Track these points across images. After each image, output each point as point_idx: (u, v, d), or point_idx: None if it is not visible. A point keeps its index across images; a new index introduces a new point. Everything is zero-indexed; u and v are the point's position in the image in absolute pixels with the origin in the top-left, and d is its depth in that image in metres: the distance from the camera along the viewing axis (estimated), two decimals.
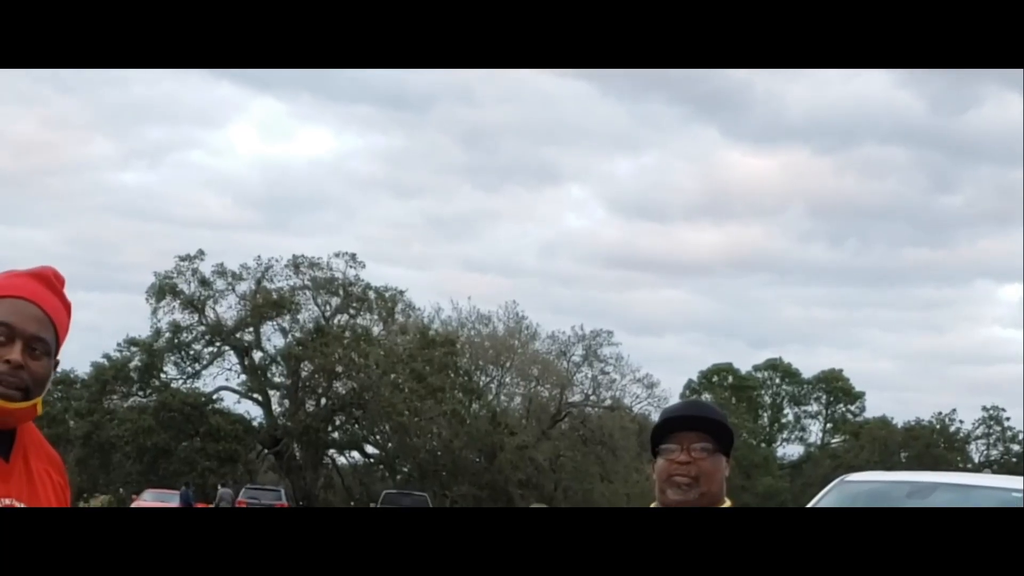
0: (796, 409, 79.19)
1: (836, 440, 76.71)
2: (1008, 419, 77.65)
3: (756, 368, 78.86)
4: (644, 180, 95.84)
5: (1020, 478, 11.42)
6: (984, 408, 77.92)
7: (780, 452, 77.81)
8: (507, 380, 63.76)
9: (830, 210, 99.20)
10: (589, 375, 63.58)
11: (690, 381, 74.86)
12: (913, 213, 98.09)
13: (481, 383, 62.25)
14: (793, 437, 79.20)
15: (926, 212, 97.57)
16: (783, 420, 79.18)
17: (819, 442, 77.86)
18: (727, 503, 3.44)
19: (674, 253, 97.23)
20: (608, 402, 62.22)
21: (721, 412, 3.59)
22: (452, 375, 58.06)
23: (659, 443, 3.42)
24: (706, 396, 70.71)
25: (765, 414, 78.49)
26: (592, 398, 63.13)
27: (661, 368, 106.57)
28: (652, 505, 3.47)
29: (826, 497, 10.72)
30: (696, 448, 3.37)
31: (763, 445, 75.61)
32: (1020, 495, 9.96)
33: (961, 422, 76.58)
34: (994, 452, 76.90)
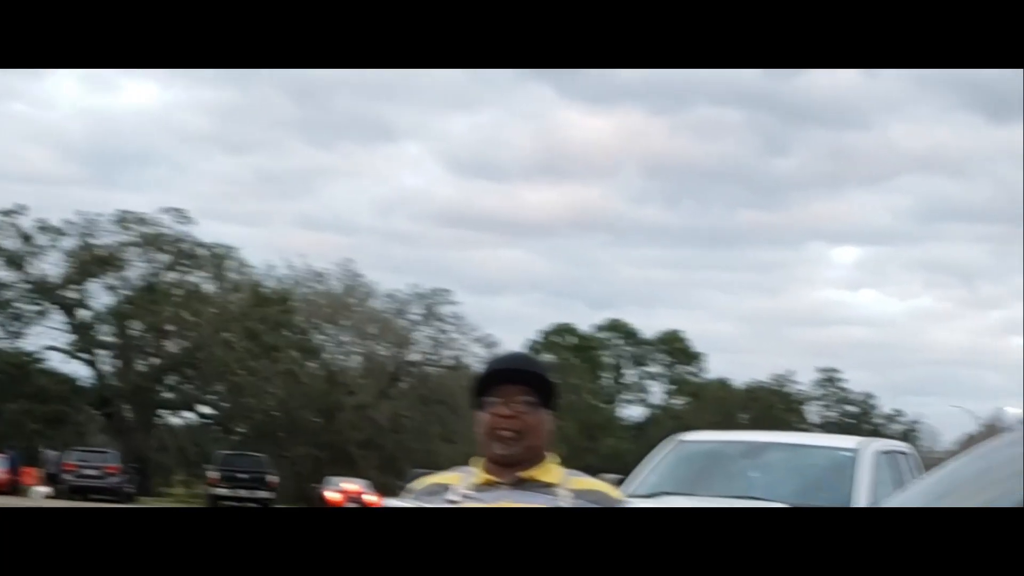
0: (638, 370, 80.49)
1: (678, 401, 78.17)
2: (844, 381, 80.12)
3: (597, 328, 79.89)
4: (480, 138, 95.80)
5: (852, 438, 11.97)
6: (820, 370, 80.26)
7: (623, 413, 79.06)
8: (344, 339, 63.54)
9: (665, 171, 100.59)
10: (429, 334, 63.79)
11: (531, 341, 75.52)
12: (747, 175, 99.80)
13: (317, 342, 61.95)
14: (636, 398, 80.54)
15: (760, 174, 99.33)
16: (625, 381, 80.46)
17: (661, 403, 79.26)
18: (552, 459, 3.47)
19: (512, 212, 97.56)
20: (449, 361, 62.49)
21: (545, 366, 3.60)
22: (287, 333, 57.70)
23: (482, 396, 3.42)
24: (547, 356, 71.40)
25: (607, 375, 79.65)
26: (432, 357, 63.32)
27: (502, 328, 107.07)
28: (476, 459, 3.50)
29: (661, 455, 11.11)
30: (519, 401, 3.38)
31: (606, 406, 76.71)
32: (850, 454, 10.47)
33: (799, 383, 78.78)
34: (832, 413, 79.24)
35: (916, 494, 6.84)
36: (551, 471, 3.47)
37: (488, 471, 3.46)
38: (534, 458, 3.43)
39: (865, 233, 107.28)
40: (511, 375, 3.44)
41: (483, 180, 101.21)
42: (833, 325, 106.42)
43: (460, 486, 3.47)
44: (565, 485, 3.44)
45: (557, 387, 3.52)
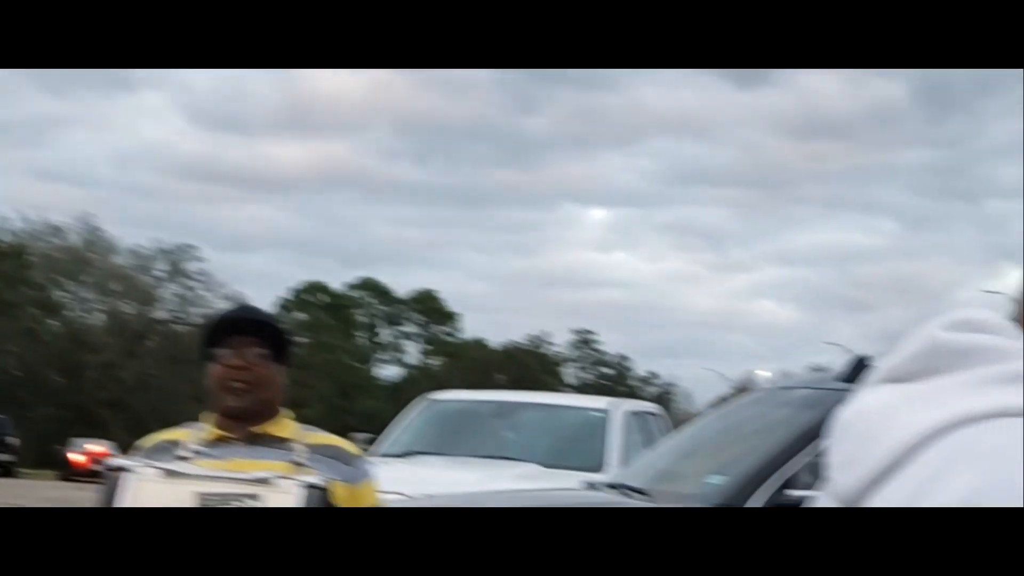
0: (393, 329, 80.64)
1: (434, 361, 78.70)
2: (598, 342, 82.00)
3: (349, 287, 79.62)
4: (224, 90, 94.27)
5: (603, 399, 12.16)
6: (575, 331, 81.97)
7: (379, 373, 79.19)
8: (86, 295, 61.76)
9: (415, 128, 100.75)
10: (175, 291, 62.55)
11: (282, 299, 74.71)
12: (498, 134, 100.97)
13: (58, 298, 60.06)
14: (391, 358, 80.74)
15: (510, 133, 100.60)
16: (380, 340, 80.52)
17: (418, 363, 79.66)
18: (286, 414, 3.42)
19: (259, 167, 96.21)
20: (197, 319, 61.37)
21: (277, 319, 3.56)
22: (25, 289, 55.77)
23: (212, 347, 3.35)
24: (299, 315, 70.81)
25: (361, 334, 79.54)
26: (180, 315, 62.12)
27: (251, 285, 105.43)
28: (207, 414, 3.43)
29: (412, 415, 11.07)
30: (252, 353, 3.32)
31: (361, 365, 76.67)
32: (601, 415, 10.61)
33: (555, 344, 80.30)
34: (588, 375, 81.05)
35: (664, 452, 6.97)
36: (285, 426, 3.42)
37: (220, 426, 3.39)
38: (267, 412, 3.37)
39: (615, 195, 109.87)
40: (243, 325, 3.37)
41: (228, 133, 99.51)
42: (587, 287, 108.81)
43: (190, 442, 3.38)
44: (300, 440, 3.39)
45: (290, 341, 3.47)
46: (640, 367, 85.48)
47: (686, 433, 7.06)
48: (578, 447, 10.27)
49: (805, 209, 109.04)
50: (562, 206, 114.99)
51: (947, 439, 1.14)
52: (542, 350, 79.10)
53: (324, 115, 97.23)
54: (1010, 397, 1.15)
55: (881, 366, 1.28)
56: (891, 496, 1.15)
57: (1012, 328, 1.23)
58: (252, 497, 3.15)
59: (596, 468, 9.27)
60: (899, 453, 1.16)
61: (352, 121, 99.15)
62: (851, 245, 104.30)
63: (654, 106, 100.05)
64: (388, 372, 79.79)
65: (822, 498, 1.34)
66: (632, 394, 63.90)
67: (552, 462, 9.76)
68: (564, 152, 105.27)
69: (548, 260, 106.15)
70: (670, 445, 7.04)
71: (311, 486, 3.20)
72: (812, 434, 5.44)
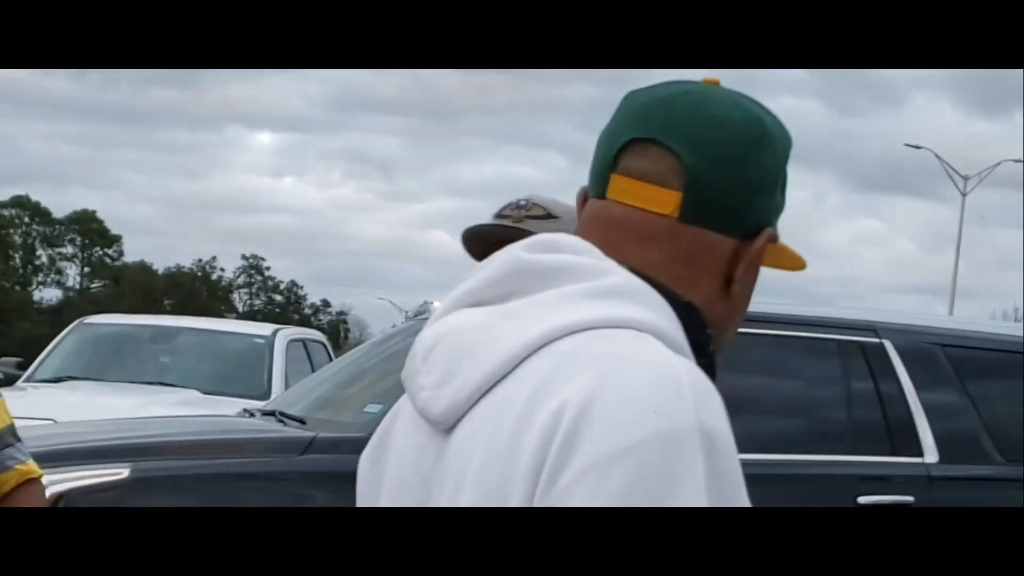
0: (50, 251, 77.67)
1: (96, 285, 76.29)
2: (268, 268, 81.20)
3: (1, 205, 76.11)
4: None
5: (266, 325, 12.14)
6: (244, 257, 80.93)
7: (37, 296, 76.24)
8: None
9: None
10: None
11: None
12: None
13: None
14: (50, 280, 77.82)
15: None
16: (37, 262, 77.44)
17: (78, 286, 77.07)
18: None
19: None
20: None
21: None
22: None
23: None
24: None
25: (17, 255, 76.30)
26: None
27: None
28: None
29: (64, 339, 10.80)
30: None
31: (17, 288, 73.63)
32: (262, 342, 10.60)
33: (223, 270, 79.06)
34: (257, 301, 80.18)
35: (323, 380, 7.05)
36: None
37: None
38: None
39: (283, 119, 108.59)
40: None
41: None
42: (256, 212, 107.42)
43: None
44: None
45: None
46: (313, 295, 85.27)
47: (346, 361, 7.16)
48: (240, 374, 10.23)
49: (475, 141, 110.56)
50: (228, 128, 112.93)
51: (549, 350, 1.23)
52: (211, 276, 77.78)
53: None
54: (604, 310, 1.25)
55: (460, 289, 1.34)
56: (494, 406, 1.23)
57: (594, 249, 1.32)
58: None
59: (261, 395, 9.27)
60: (502, 366, 1.24)
61: None
62: (521, 178, 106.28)
63: None
64: (47, 295, 76.95)
65: (401, 419, 1.39)
66: (305, 322, 63.74)
67: (213, 389, 9.71)
68: (227, 73, 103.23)
69: (215, 183, 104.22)
70: (330, 373, 7.13)
71: None
72: None
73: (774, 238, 1.40)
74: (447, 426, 1.28)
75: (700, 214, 1.34)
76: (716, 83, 1.41)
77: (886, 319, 6.16)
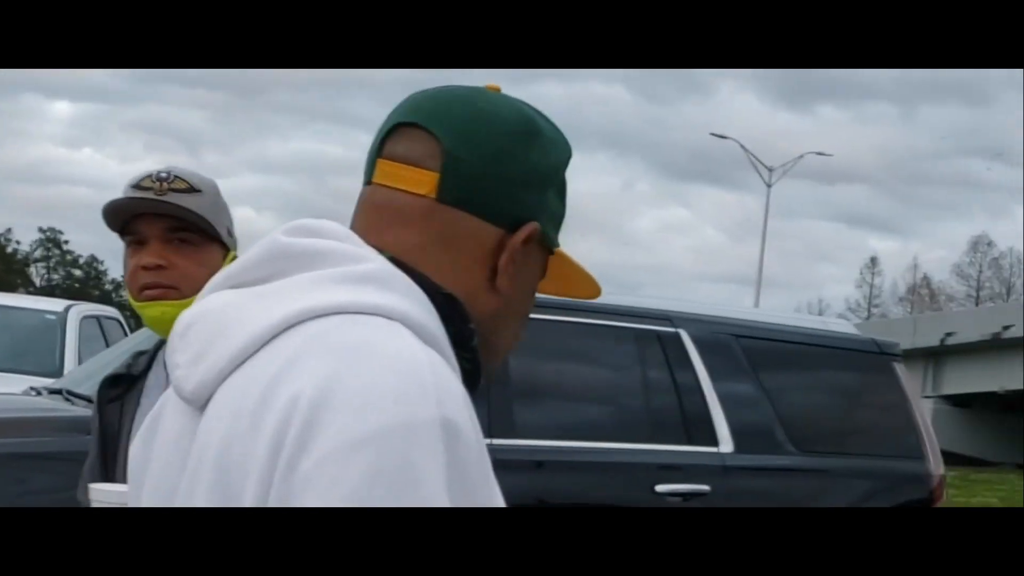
0: None
1: None
2: (67, 242, 79.31)
3: None
4: None
5: (59, 301, 11.86)
6: (41, 230, 78.92)
7: None
8: None
9: None
10: None
11: None
12: None
13: None
14: None
15: None
16: None
17: None
18: None
19: None
20: None
21: None
22: None
23: None
24: None
25: None
26: None
27: None
28: None
29: None
30: None
31: None
32: (54, 317, 10.36)
33: (19, 243, 76.94)
34: (56, 276, 78.27)
35: (111, 358, 6.92)
36: None
37: None
38: None
39: (82, 89, 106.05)
40: None
41: None
42: (54, 183, 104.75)
43: None
44: None
45: None
46: (115, 270, 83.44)
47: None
48: (32, 351, 9.97)
49: (281, 117, 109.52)
50: (24, 97, 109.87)
51: (296, 331, 1.24)
52: (6, 249, 75.62)
53: None
54: (356, 295, 1.26)
55: (223, 272, 1.36)
56: (239, 384, 1.24)
57: (353, 236, 1.34)
58: None
59: (53, 373, 9.05)
60: (250, 345, 1.25)
61: None
62: (329, 156, 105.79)
63: None
64: None
65: (169, 401, 1.41)
66: (106, 298, 62.36)
67: (3, 366, 9.44)
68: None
69: (9, 153, 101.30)
70: (121, 351, 6.99)
71: None
72: None
73: (546, 239, 1.42)
74: (199, 404, 1.28)
75: (458, 196, 1.35)
76: (496, 89, 1.44)
77: (682, 308, 6.26)
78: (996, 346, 33.75)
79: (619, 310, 6.04)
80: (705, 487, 5.74)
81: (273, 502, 1.17)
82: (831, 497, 6.02)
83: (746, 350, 6.09)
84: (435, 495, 1.16)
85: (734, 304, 8.65)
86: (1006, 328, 33.79)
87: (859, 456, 6.19)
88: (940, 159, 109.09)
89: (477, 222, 1.36)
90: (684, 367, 5.95)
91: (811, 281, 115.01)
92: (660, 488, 5.69)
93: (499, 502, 1.28)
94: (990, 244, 76.72)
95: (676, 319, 6.07)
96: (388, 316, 1.26)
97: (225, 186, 2.60)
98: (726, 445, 5.88)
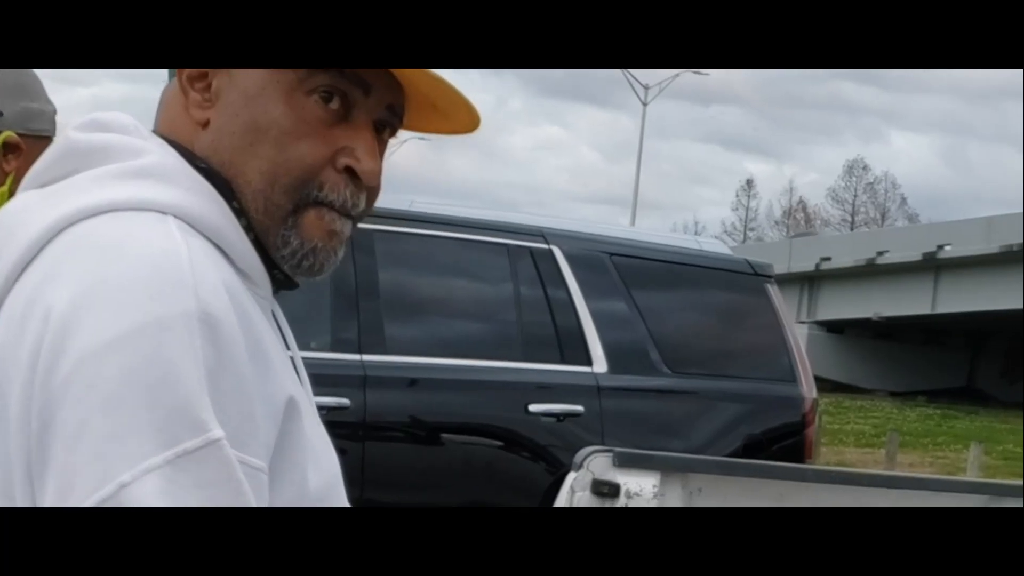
0: None
1: None
2: None
3: None
4: None
5: None
6: None
7: None
8: None
9: None
10: None
11: None
12: None
13: None
14: None
15: None
16: None
17: None
18: None
19: None
20: None
21: None
22: None
23: None
24: None
25: None
26: None
27: None
28: None
29: None
30: None
31: None
32: None
33: None
34: None
35: None
36: None
37: None
38: None
39: None
40: None
41: None
42: None
43: None
44: None
45: None
46: None
47: None
48: None
49: None
50: None
51: (67, 233, 1.23)
52: None
53: None
54: (131, 191, 1.26)
55: (32, 171, 1.36)
56: (16, 291, 1.23)
57: (143, 129, 1.34)
58: None
59: None
60: (30, 249, 1.24)
61: None
62: None
63: None
64: None
65: None
66: None
67: None
68: None
69: None
70: None
71: None
72: None
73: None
74: None
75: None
76: None
77: (555, 225, 6.29)
78: (871, 272, 34.46)
79: (492, 225, 6.08)
80: (579, 407, 5.81)
81: (35, 411, 1.16)
82: (704, 420, 6.11)
83: (620, 268, 6.13)
84: (194, 394, 1.15)
85: (603, 222, 8.69)
86: (880, 254, 34.51)
87: (733, 378, 6.27)
88: (813, 82, 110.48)
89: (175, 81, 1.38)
90: (557, 285, 5.99)
91: (687, 203, 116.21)
92: (533, 408, 5.75)
93: (280, 399, 1.26)
94: (865, 168, 78.10)
95: (549, 235, 6.10)
96: (161, 211, 1.25)
97: None
98: (600, 365, 5.94)
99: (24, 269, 1.24)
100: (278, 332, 1.38)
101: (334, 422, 5.41)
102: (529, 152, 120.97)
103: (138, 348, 1.14)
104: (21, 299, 1.22)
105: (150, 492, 1.12)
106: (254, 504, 1.17)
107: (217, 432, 1.15)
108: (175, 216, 1.25)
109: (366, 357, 5.59)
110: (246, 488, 1.17)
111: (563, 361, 5.92)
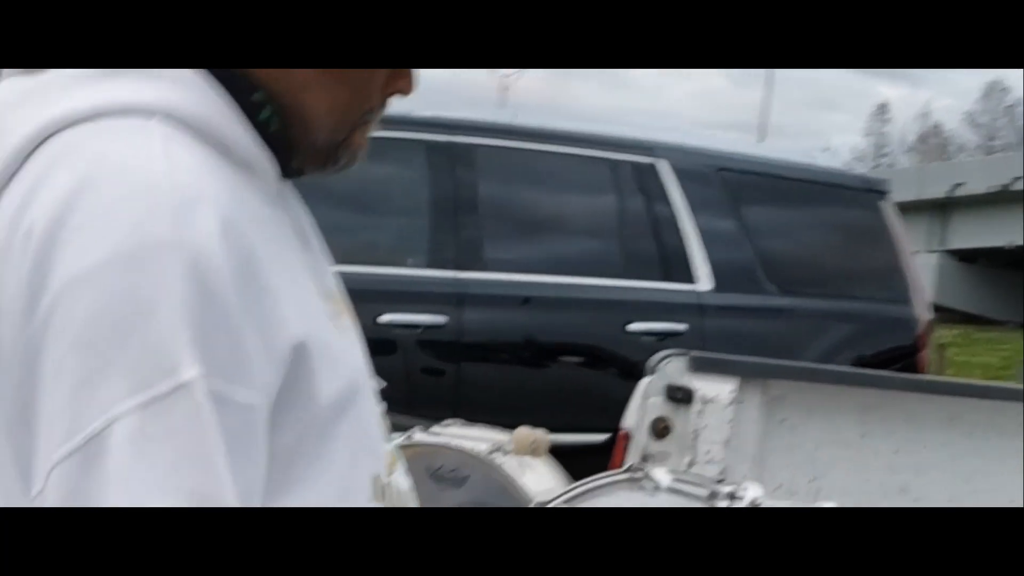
0: None
1: None
2: None
3: None
4: None
5: None
6: None
7: None
8: None
9: None
10: None
11: None
12: None
13: None
14: None
15: None
16: None
17: None
18: None
19: None
20: None
21: None
22: None
23: None
24: None
25: None
26: None
27: None
28: None
29: None
30: None
31: None
32: None
33: None
34: None
35: None
36: None
37: None
38: None
39: None
40: None
41: None
42: None
43: None
44: None
45: None
46: None
47: None
48: None
49: None
50: None
51: (50, 144, 1.16)
52: None
53: None
54: (113, 91, 1.18)
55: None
56: (6, 209, 1.16)
57: None
58: None
59: None
60: (9, 165, 1.18)
61: None
62: None
63: None
64: None
65: None
66: None
67: None
68: None
69: None
70: None
71: None
72: None
73: None
74: None
75: None
76: None
77: (662, 138, 6.19)
78: (1005, 199, 33.73)
79: (596, 138, 6.01)
80: (681, 326, 5.79)
81: (22, 351, 1.11)
82: (812, 340, 6.03)
83: (727, 183, 6.06)
84: (168, 331, 1.07)
85: (711, 135, 8.52)
86: (1017, 179, 33.76)
87: (842, 298, 6.19)
88: None
89: None
90: (662, 201, 5.93)
91: (818, 130, 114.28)
92: (632, 327, 5.74)
93: (284, 339, 1.17)
94: (1004, 90, 76.28)
95: (656, 148, 6.03)
96: (145, 114, 1.17)
97: None
98: (704, 283, 5.91)
99: (10, 180, 1.17)
100: (296, 226, 1.32)
101: (429, 340, 5.49)
102: (655, 77, 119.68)
103: (108, 283, 1.07)
104: (5, 218, 1.15)
105: (117, 442, 1.05)
106: (224, 453, 1.09)
107: (190, 373, 1.07)
108: (161, 118, 1.17)
109: (462, 274, 5.60)
110: (219, 439, 1.08)
111: (665, 278, 5.88)
